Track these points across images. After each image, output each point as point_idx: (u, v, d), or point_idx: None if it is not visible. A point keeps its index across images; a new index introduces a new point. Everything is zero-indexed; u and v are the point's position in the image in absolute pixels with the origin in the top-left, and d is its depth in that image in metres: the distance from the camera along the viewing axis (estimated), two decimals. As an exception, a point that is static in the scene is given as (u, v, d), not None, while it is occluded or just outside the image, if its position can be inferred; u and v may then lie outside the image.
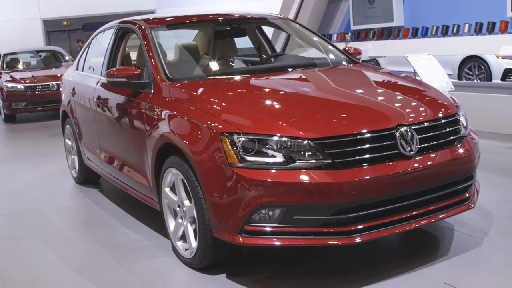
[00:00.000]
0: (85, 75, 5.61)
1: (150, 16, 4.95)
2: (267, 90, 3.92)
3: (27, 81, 12.38)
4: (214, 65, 4.73)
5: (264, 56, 5.55)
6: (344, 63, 4.63)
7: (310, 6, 10.57)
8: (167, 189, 3.74)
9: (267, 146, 3.07)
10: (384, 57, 12.32)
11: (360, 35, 9.58)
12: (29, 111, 12.48)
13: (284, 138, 3.06)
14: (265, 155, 3.07)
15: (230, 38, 5.11)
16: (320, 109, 3.43)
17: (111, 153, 4.84)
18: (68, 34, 26.27)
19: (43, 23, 19.63)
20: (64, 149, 6.50)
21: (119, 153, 4.66)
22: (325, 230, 3.04)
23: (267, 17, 5.24)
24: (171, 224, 3.77)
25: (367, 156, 3.09)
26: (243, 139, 3.09)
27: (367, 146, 3.11)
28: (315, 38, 5.02)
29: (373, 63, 12.68)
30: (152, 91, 3.99)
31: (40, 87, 12.25)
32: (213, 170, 3.17)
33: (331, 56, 4.75)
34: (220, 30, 5.17)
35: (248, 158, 3.06)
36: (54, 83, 12.23)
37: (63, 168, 6.69)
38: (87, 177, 5.90)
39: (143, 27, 4.51)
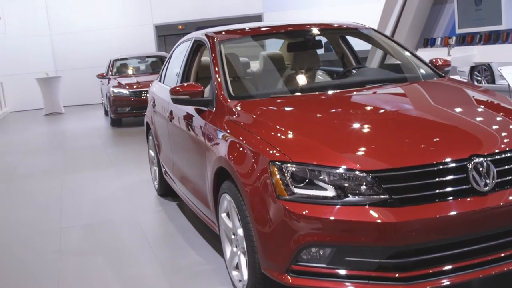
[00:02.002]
0: (163, 87, 5.57)
1: (225, 28, 4.76)
2: (333, 111, 3.58)
3: (133, 87, 12.76)
4: (280, 82, 4.45)
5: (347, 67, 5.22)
6: (428, 77, 4.20)
7: (413, 8, 9.99)
8: (223, 215, 3.55)
9: (319, 177, 2.77)
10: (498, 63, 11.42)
11: (465, 39, 8.90)
12: (134, 116, 12.84)
13: (337, 170, 2.75)
14: (316, 187, 2.77)
15: (305, 51, 4.82)
16: (383, 134, 3.07)
17: (181, 170, 4.73)
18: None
19: (155, 28, 20.26)
20: (148, 159, 6.53)
21: (186, 170, 4.54)
22: (381, 275, 2.69)
23: (346, 26, 4.87)
24: (228, 251, 3.58)
25: (431, 192, 2.70)
26: (293, 168, 2.81)
27: (432, 180, 2.72)
28: (399, 49, 4.61)
29: (486, 67, 11.81)
30: (214, 109, 3.81)
31: (144, 92, 12.56)
32: (261, 201, 2.92)
33: (413, 68, 4.33)
34: (294, 43, 4.90)
35: (297, 191, 2.78)
36: (157, 88, 12.49)
37: (149, 177, 6.72)
38: (167, 189, 5.85)
39: (212, 40, 4.34)
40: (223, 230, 3.59)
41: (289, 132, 3.14)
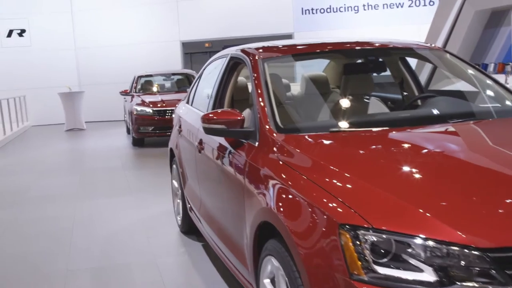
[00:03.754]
0: (192, 110, 4.83)
1: (266, 44, 4.00)
2: (421, 156, 2.71)
3: (157, 105, 12.08)
4: (341, 112, 3.64)
5: (406, 95, 4.44)
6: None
7: (462, 32, 9.18)
8: (266, 281, 2.75)
9: (410, 252, 1.98)
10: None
11: (525, 66, 8.06)
12: (157, 136, 12.14)
13: (440, 244, 1.95)
14: (407, 265, 1.97)
15: (365, 74, 4.05)
16: (499, 194, 2.21)
17: (210, 211, 3.97)
18: (209, 55, 26.50)
19: (182, 45, 19.68)
20: (171, 190, 5.79)
21: (217, 214, 3.77)
22: None
23: (413, 47, 4.06)
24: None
25: None
26: (373, 238, 2.02)
27: None
28: (480, 76, 3.81)
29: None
30: (257, 144, 3.05)
31: (169, 111, 11.88)
32: (325, 279, 2.13)
33: (500, 99, 3.54)
34: (352, 63, 4.14)
35: (380, 270, 1.98)
36: (182, 108, 11.82)
37: (171, 209, 5.97)
38: (191, 227, 5.09)
39: (254, 58, 3.59)
40: (265, 299, 2.80)
41: (365, 183, 2.33)
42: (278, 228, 2.48)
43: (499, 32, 8.95)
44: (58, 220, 6.16)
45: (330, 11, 18.88)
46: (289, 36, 19.49)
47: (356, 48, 3.89)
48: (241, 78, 4.30)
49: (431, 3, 18.15)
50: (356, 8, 18.74)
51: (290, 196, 2.48)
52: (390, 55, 4.23)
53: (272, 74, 3.54)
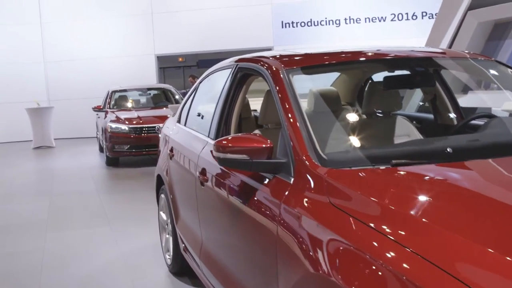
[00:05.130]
0: (188, 132, 4.07)
1: (281, 52, 3.26)
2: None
3: (133, 122, 11.26)
4: (391, 138, 2.91)
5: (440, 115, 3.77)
6: None
7: (464, 45, 8.59)
8: None
9: None
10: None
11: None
12: (133, 155, 11.30)
13: None
14: None
15: (410, 88, 3.38)
16: None
17: (218, 259, 3.19)
18: (183, 70, 25.81)
19: (157, 59, 18.87)
20: (158, 222, 4.99)
21: (230, 264, 2.99)
22: None
23: (468, 56, 3.38)
24: None
25: None
26: None
27: None
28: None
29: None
30: (292, 180, 2.31)
31: (146, 129, 11.08)
32: None
33: None
34: (396, 76, 3.43)
35: None
36: (161, 125, 10.97)
37: (156, 242, 5.19)
38: (183, 268, 4.31)
39: (274, 68, 2.86)
40: None
41: (476, 245, 1.59)
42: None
43: (503, 45, 8.39)
44: (24, 257, 5.30)
45: (311, 25, 18.30)
46: (269, 50, 18.84)
47: (402, 57, 3.18)
48: (254, 93, 3.58)
49: (414, 17, 17.73)
50: (337, 22, 18.20)
51: (358, 260, 1.74)
52: (441, 66, 3.52)
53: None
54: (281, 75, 2.78)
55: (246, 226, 2.62)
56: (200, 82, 4.34)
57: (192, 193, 3.54)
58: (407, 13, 17.77)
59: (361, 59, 3.16)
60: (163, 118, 11.33)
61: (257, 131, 3.49)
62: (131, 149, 11.11)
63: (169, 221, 4.48)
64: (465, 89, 5.63)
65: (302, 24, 18.36)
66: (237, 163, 2.45)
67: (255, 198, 2.52)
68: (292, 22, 18.38)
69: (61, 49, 18.22)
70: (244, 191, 2.68)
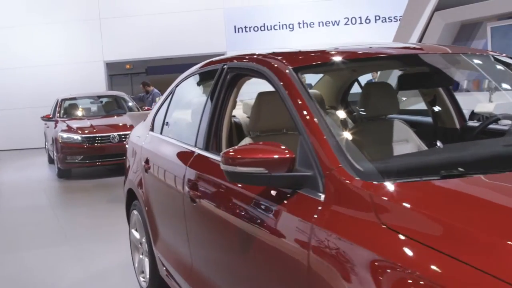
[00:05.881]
0: (166, 142, 3.65)
1: (275, 50, 2.89)
2: None
3: (85, 131, 10.66)
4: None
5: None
6: None
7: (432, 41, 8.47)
8: None
9: None
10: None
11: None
12: (87, 166, 10.70)
13: None
14: None
15: (427, 88, 3.05)
16: None
17: (215, 286, 2.77)
18: (131, 77, 25.13)
19: (106, 65, 18.19)
20: (128, 241, 4.54)
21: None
22: None
23: (488, 53, 3.09)
24: None
25: None
26: None
27: None
28: None
29: None
30: (323, 197, 1.94)
31: (99, 138, 10.51)
32: None
33: None
34: (412, 75, 3.11)
35: None
36: (115, 134, 10.49)
37: (125, 261, 4.73)
38: (162, 291, 3.88)
39: (280, 67, 2.49)
40: None
41: None
42: None
43: (470, 46, 8.30)
44: (-24, 285, 4.76)
45: (264, 29, 18.04)
46: (222, 55, 18.44)
47: (422, 54, 2.86)
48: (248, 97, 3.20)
49: (367, 21, 17.73)
50: (291, 26, 18.01)
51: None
52: (459, 63, 3.21)
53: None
54: (289, 75, 2.42)
55: (257, 251, 2.22)
56: (177, 86, 3.92)
57: (178, 210, 3.12)
58: (360, 17, 17.76)
59: (376, 56, 2.82)
60: (117, 127, 10.85)
61: (247, 139, 3.12)
62: (85, 160, 10.50)
63: (143, 240, 4.04)
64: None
65: (255, 28, 18.09)
66: (251, 177, 2.06)
67: (271, 218, 2.13)
68: (245, 27, 18.09)
69: (3, 57, 17.32)
70: (253, 210, 2.28)
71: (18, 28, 17.33)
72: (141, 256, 4.18)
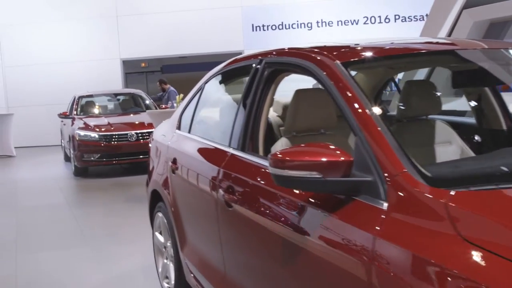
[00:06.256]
0: (195, 140, 3.46)
1: (318, 44, 2.70)
2: None
3: (102, 129, 10.52)
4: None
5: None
6: None
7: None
8: None
9: None
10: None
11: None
12: (103, 164, 10.57)
13: None
14: None
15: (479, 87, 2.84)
16: None
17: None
18: (146, 76, 25.04)
19: (123, 63, 18.06)
20: (150, 243, 4.36)
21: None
22: None
23: None
24: None
25: None
26: None
27: None
28: None
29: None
30: (386, 205, 1.74)
31: (116, 136, 10.37)
32: None
33: None
34: (467, 72, 2.89)
35: None
36: (133, 132, 10.36)
37: (148, 263, 4.56)
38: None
39: (328, 61, 2.29)
40: None
41: None
42: None
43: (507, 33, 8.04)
44: (-7, 286, 4.61)
45: (282, 28, 17.81)
46: (239, 54, 18.26)
47: (482, 49, 2.64)
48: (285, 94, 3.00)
49: (387, 20, 17.45)
50: (309, 25, 17.77)
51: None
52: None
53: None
54: (339, 70, 2.22)
55: (305, 263, 2.02)
56: (206, 82, 3.73)
57: (210, 214, 2.93)
58: (379, 16, 17.49)
59: (433, 51, 2.62)
60: (134, 125, 10.70)
61: (284, 140, 2.93)
62: (102, 158, 10.38)
63: (168, 244, 3.85)
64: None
65: (273, 27, 17.86)
66: (303, 182, 1.86)
67: (322, 227, 1.93)
68: (263, 25, 17.87)
69: (20, 54, 17.27)
70: (299, 217, 2.09)
71: (34, 25, 17.26)
72: (165, 261, 4.00)
